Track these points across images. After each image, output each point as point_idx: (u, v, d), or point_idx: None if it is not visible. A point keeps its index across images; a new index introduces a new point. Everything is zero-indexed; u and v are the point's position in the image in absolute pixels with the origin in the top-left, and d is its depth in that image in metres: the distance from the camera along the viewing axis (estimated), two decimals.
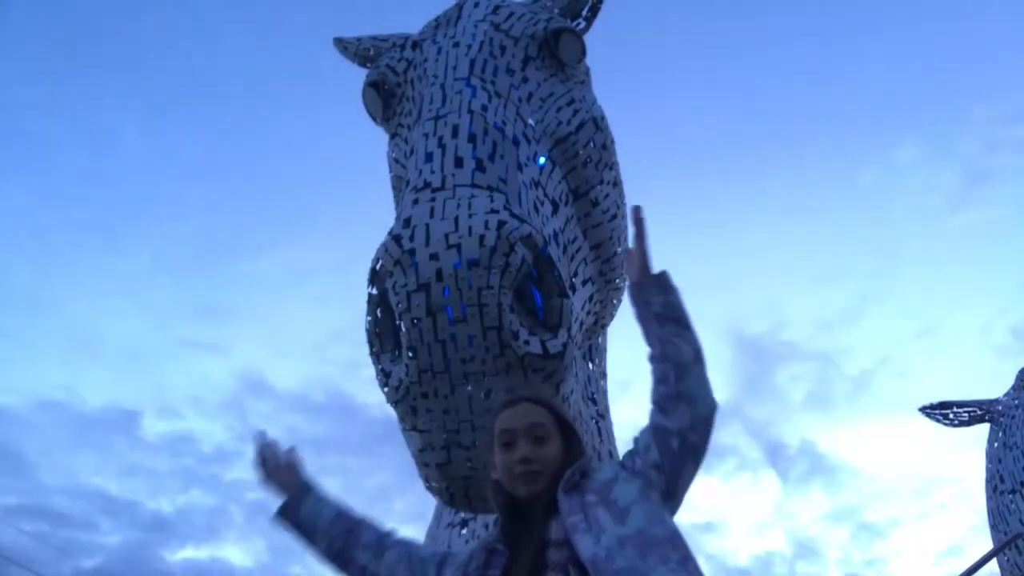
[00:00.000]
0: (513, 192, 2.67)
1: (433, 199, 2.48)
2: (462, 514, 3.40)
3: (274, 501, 2.40)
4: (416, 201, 2.50)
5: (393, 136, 3.51)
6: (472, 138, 2.75)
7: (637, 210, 2.17)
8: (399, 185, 3.41)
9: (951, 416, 9.04)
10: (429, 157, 2.70)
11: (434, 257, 2.33)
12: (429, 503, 3.81)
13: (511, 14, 3.45)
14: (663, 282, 2.08)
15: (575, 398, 2.65)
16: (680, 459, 1.87)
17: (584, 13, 3.94)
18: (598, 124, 3.43)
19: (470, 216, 2.39)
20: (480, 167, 2.65)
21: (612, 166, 3.48)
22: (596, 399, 3.47)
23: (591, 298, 3.29)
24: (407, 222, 2.43)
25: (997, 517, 7.92)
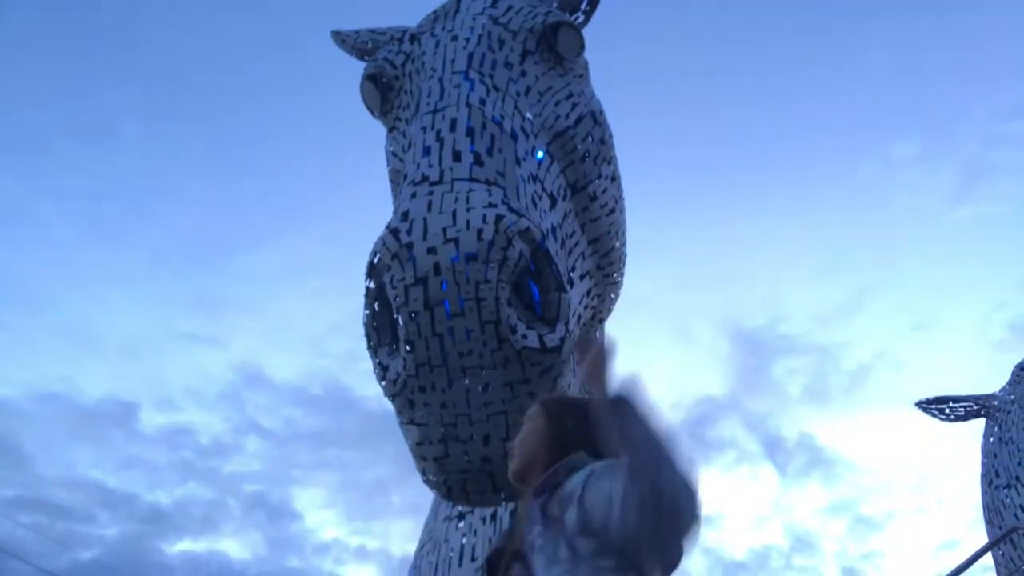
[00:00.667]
0: (511, 186, 2.67)
1: (431, 193, 2.48)
2: (459, 507, 3.41)
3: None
4: (414, 195, 2.50)
5: (391, 130, 3.50)
6: (470, 132, 2.75)
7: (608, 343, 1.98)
8: (397, 179, 3.41)
9: (947, 411, 9.06)
10: (427, 151, 2.69)
11: (432, 251, 2.33)
12: (427, 496, 3.82)
13: (509, 8, 3.44)
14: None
15: (572, 392, 2.65)
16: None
17: (583, 7, 3.93)
18: (596, 118, 3.42)
19: (468, 210, 2.39)
20: (478, 161, 2.65)
21: (610, 160, 3.47)
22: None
23: (589, 292, 3.29)
24: (405, 216, 2.43)
25: (992, 511, 7.95)
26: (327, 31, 4.23)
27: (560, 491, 1.77)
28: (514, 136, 2.90)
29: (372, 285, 2.50)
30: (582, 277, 3.19)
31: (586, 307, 3.29)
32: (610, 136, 3.53)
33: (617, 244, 3.46)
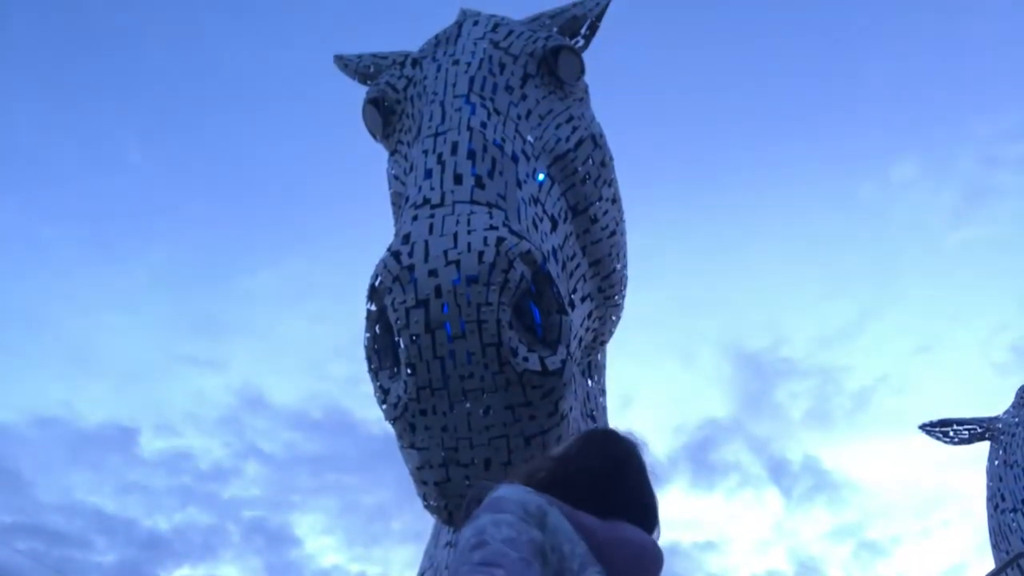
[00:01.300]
0: (512, 209, 2.68)
1: (432, 216, 2.48)
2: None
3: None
4: (415, 217, 2.50)
5: (392, 153, 3.52)
6: (471, 155, 2.76)
7: None
8: (398, 202, 3.42)
9: (951, 434, 9.01)
10: (428, 174, 2.70)
11: (433, 274, 2.33)
12: (428, 521, 3.78)
13: (510, 32, 3.47)
14: None
15: (574, 415, 2.63)
16: None
17: (583, 31, 3.97)
18: (597, 141, 3.44)
19: (469, 233, 2.39)
20: (479, 184, 2.66)
21: (611, 183, 3.49)
22: (595, 416, 3.46)
23: (590, 315, 3.29)
24: (406, 238, 2.43)
25: (999, 536, 7.87)
26: (330, 55, 4.27)
27: None
28: (515, 159, 2.91)
29: (373, 308, 2.49)
30: (583, 299, 3.19)
31: (587, 329, 3.28)
32: (610, 158, 3.55)
33: (618, 266, 3.47)
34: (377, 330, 2.50)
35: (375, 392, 2.51)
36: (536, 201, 2.94)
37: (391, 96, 3.44)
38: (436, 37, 3.59)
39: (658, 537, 1.87)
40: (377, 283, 2.43)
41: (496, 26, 3.52)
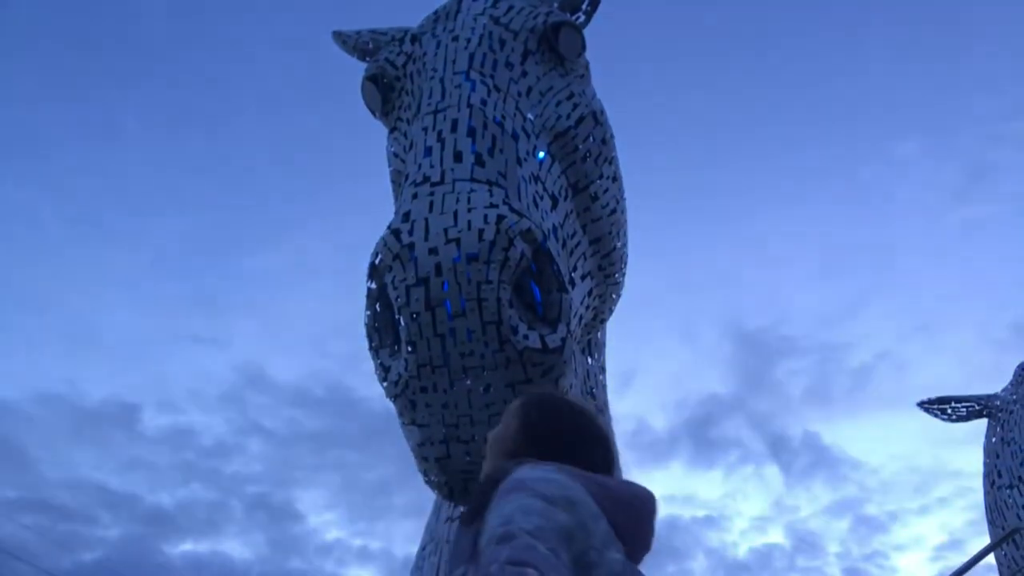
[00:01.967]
0: (512, 187, 2.67)
1: (432, 193, 2.48)
2: (461, 508, 3.41)
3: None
4: (415, 195, 2.50)
5: (392, 130, 3.50)
6: (471, 132, 2.75)
7: None
8: (398, 179, 3.41)
9: (949, 411, 9.05)
10: (428, 151, 2.69)
11: (433, 251, 2.33)
12: (429, 497, 3.82)
13: (510, 8, 3.44)
14: None
15: (574, 393, 2.65)
16: None
17: (584, 7, 3.93)
18: (597, 118, 3.42)
19: (469, 211, 2.39)
20: (479, 161, 2.65)
21: (612, 161, 3.47)
22: (595, 394, 3.47)
23: (590, 293, 3.29)
24: (406, 216, 2.43)
25: (995, 512, 7.94)
26: (328, 32, 4.23)
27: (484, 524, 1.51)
28: (515, 136, 2.90)
29: (373, 286, 2.50)
30: (583, 277, 3.19)
31: (587, 307, 3.29)
32: (611, 136, 3.53)
33: (618, 244, 3.46)
34: (377, 308, 2.51)
35: (376, 370, 2.52)
36: (536, 179, 2.93)
37: (390, 73, 3.42)
38: (435, 13, 3.56)
39: None
40: (377, 261, 2.43)
41: (496, 1, 3.48)
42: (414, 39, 3.43)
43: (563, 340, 2.41)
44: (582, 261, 3.18)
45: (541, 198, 2.90)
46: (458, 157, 2.65)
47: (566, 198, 3.14)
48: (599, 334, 3.73)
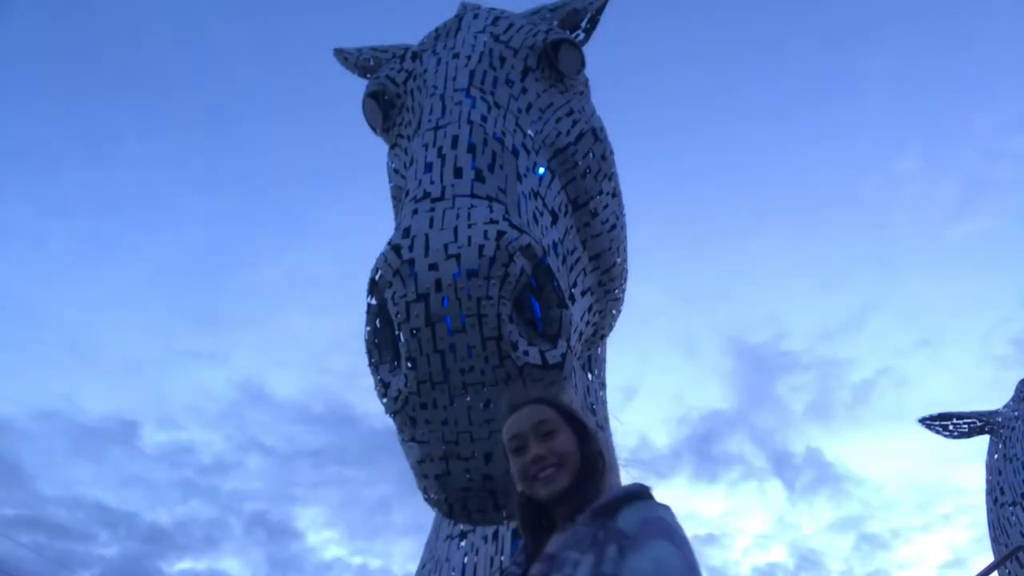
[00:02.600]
0: (512, 202, 2.68)
1: (432, 209, 2.48)
2: (461, 526, 3.39)
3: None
4: (415, 211, 2.50)
5: (393, 147, 3.51)
6: (471, 148, 2.76)
7: None
8: (398, 195, 3.41)
9: (951, 427, 9.01)
10: (428, 167, 2.70)
11: (433, 267, 2.33)
12: (429, 514, 3.80)
13: (511, 25, 3.46)
14: None
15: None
16: None
17: (583, 25, 3.96)
18: (597, 135, 3.44)
19: (469, 226, 2.39)
20: (479, 177, 2.66)
21: (611, 177, 3.48)
22: (595, 410, 3.46)
23: (590, 308, 3.29)
24: (406, 232, 2.43)
25: (998, 529, 7.88)
26: (329, 48, 4.26)
27: (613, 522, 1.72)
28: (515, 153, 2.91)
29: (374, 302, 2.49)
30: (584, 293, 3.19)
31: (587, 323, 3.28)
32: (611, 153, 3.55)
33: (618, 260, 3.47)
34: (377, 324, 2.50)
35: (376, 386, 2.51)
36: (536, 195, 2.94)
37: (391, 90, 3.43)
38: (436, 30, 3.58)
39: None
40: (377, 277, 2.43)
41: (496, 19, 3.51)
42: (415, 56, 3.45)
43: (563, 356, 2.40)
44: (582, 277, 3.18)
45: (541, 214, 2.91)
46: (458, 173, 2.66)
47: (566, 214, 3.15)
48: (599, 350, 3.72)
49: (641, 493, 1.83)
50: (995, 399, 8.99)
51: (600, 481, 1.87)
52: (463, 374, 2.33)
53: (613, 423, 3.65)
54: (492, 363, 2.31)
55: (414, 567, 3.73)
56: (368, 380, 2.55)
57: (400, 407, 2.41)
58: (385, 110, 3.48)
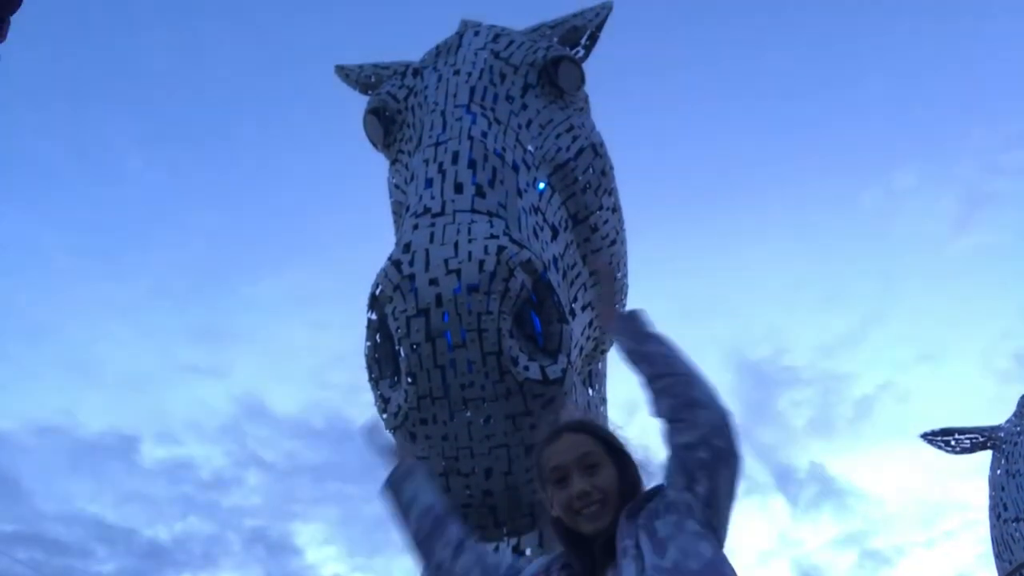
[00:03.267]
0: (513, 218, 2.69)
1: (433, 224, 2.49)
2: None
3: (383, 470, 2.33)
4: (416, 226, 2.51)
5: (393, 162, 3.53)
6: (472, 164, 2.77)
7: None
8: (399, 211, 3.43)
9: (953, 443, 8.98)
10: (429, 183, 2.71)
11: (434, 282, 2.33)
12: None
13: (511, 42, 3.49)
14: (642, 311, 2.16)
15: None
16: (712, 468, 1.79)
17: (583, 41, 3.99)
18: (597, 150, 3.45)
19: (470, 242, 2.40)
20: (480, 193, 2.67)
21: (611, 192, 3.50)
22: None
23: (591, 323, 3.29)
24: (407, 247, 2.43)
25: (1002, 546, 7.83)
26: (332, 63, 4.29)
27: (650, 504, 1.81)
28: (515, 168, 2.93)
29: (374, 316, 2.50)
30: (584, 308, 3.19)
31: (588, 338, 3.28)
32: (611, 168, 3.56)
33: (619, 275, 3.47)
34: (378, 339, 2.50)
35: (375, 401, 2.51)
36: (537, 210, 2.95)
37: (392, 106, 3.46)
38: (437, 47, 3.61)
39: None
40: (378, 292, 2.43)
41: (497, 36, 3.54)
42: (416, 73, 3.48)
43: (564, 371, 2.40)
44: (582, 292, 3.19)
45: (541, 229, 2.92)
46: (459, 188, 2.67)
47: (566, 229, 3.15)
48: (600, 364, 3.72)
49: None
50: (997, 414, 8.95)
51: None
52: (463, 389, 2.32)
53: None
54: (492, 378, 2.31)
55: None
56: (368, 395, 2.55)
57: (400, 422, 2.41)
58: (386, 126, 3.50)
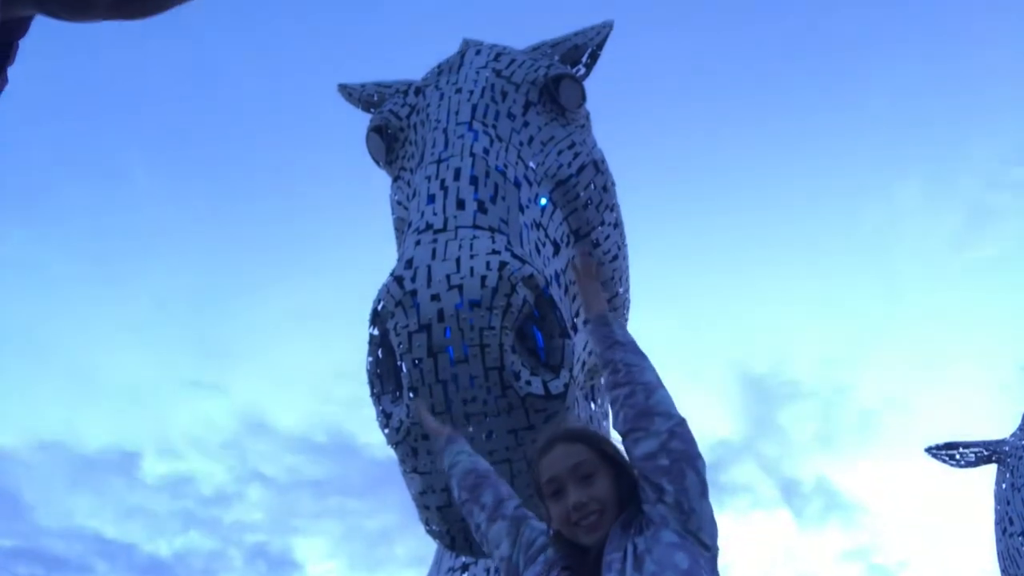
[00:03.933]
0: (515, 233, 2.70)
1: (435, 240, 2.51)
2: (463, 558, 3.36)
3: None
4: (418, 242, 2.53)
5: (396, 179, 3.56)
6: (474, 180, 2.80)
7: (585, 254, 2.22)
8: (401, 227, 3.45)
9: (957, 457, 8.94)
10: (431, 199, 2.73)
11: (436, 298, 2.35)
12: (431, 546, 3.77)
13: (512, 61, 3.52)
14: (614, 318, 2.20)
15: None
16: (676, 473, 1.80)
17: (584, 59, 4.02)
18: (598, 167, 3.48)
19: (472, 257, 2.41)
20: (482, 209, 2.69)
21: (613, 208, 3.52)
22: None
23: None
24: (409, 263, 2.45)
25: (1007, 560, 7.78)
26: (335, 81, 4.33)
27: (642, 517, 1.83)
28: (517, 184, 2.95)
29: (376, 332, 2.51)
30: (586, 323, 3.20)
31: (590, 353, 3.29)
32: (612, 184, 3.58)
33: (621, 290, 3.49)
34: (380, 354, 2.51)
35: (377, 416, 2.52)
36: (538, 226, 2.97)
37: (394, 124, 3.49)
38: (439, 66, 3.64)
39: None
40: (380, 307, 2.45)
41: (498, 55, 3.57)
42: (418, 91, 3.51)
43: (566, 386, 2.41)
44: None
45: (543, 244, 2.93)
46: (461, 205, 2.69)
47: (568, 244, 3.17)
48: (602, 379, 3.72)
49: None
50: (1001, 428, 8.91)
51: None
52: (465, 404, 2.33)
53: None
54: (494, 393, 2.32)
55: None
56: (370, 410, 2.56)
57: (402, 438, 2.41)
58: (388, 143, 3.52)
